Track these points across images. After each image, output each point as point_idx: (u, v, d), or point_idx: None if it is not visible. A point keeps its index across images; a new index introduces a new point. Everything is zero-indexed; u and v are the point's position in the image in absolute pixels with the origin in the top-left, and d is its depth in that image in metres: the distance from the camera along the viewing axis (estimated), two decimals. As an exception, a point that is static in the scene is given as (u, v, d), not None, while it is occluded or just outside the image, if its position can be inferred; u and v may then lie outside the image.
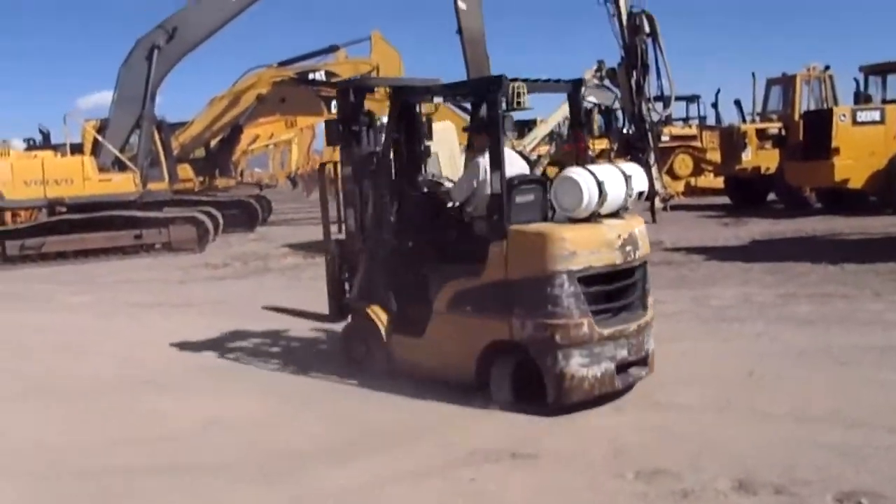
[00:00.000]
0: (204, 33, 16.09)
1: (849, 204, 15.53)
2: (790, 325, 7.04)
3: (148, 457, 4.64)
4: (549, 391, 4.96)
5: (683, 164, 21.40)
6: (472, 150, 5.67)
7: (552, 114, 17.69)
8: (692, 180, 21.48)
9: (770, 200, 18.70)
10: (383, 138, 5.97)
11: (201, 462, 4.56)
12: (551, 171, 16.27)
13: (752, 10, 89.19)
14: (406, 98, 5.96)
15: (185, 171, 20.00)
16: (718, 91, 22.36)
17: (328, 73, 18.90)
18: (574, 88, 5.98)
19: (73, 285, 11.88)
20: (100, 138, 15.67)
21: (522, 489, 4.00)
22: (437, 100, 6.19)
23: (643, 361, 5.30)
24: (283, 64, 19.84)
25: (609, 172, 5.30)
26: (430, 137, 6.05)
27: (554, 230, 5.07)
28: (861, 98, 16.81)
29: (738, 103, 20.06)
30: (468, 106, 12.69)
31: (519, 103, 5.29)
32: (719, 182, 20.42)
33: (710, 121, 23.08)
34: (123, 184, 15.20)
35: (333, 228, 6.49)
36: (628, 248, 5.18)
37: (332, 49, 19.65)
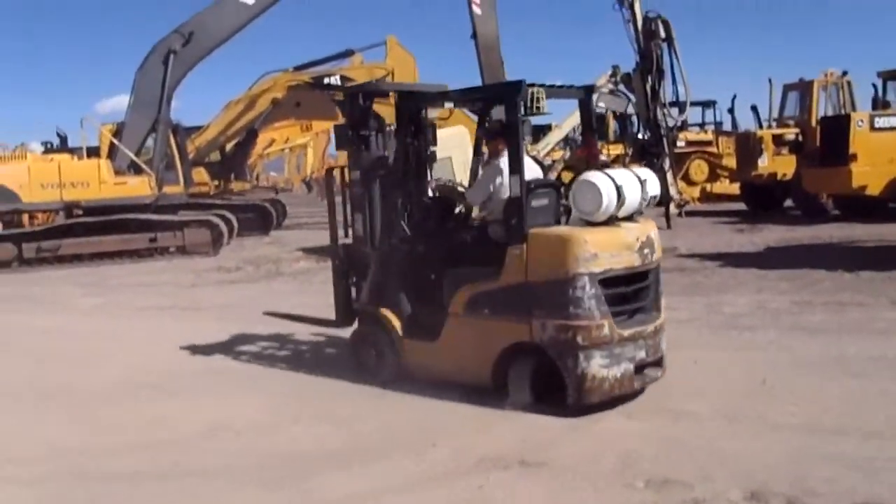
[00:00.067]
0: (220, 38, 16.16)
1: (866, 211, 15.36)
2: (804, 333, 6.96)
3: (153, 461, 4.64)
4: (570, 392, 5.01)
5: (699, 169, 21.29)
6: (478, 156, 5.67)
7: (566, 119, 17.66)
8: (708, 186, 21.35)
9: (786, 207, 18.53)
10: (394, 143, 5.96)
11: (206, 466, 4.56)
12: (566, 175, 16.24)
13: (770, 15, 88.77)
14: (412, 104, 5.96)
15: (200, 174, 20.14)
16: (735, 96, 22.14)
17: (343, 78, 18.83)
18: (585, 94, 6.01)
19: (86, 287, 11.96)
20: (116, 142, 15.79)
21: (530, 498, 3.96)
22: (448, 105, 6.16)
23: (658, 363, 5.40)
24: (298, 68, 19.91)
25: (626, 177, 5.39)
26: (434, 143, 6.06)
27: (575, 233, 5.13)
28: (879, 104, 16.63)
29: (754, 109, 19.95)
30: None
31: (538, 108, 5.37)
32: (735, 188, 20.28)
33: (727, 126, 22.93)
34: (139, 187, 15.31)
35: (340, 233, 6.47)
36: (646, 250, 5.29)
37: (348, 53, 19.69)
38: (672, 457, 4.32)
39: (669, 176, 16.10)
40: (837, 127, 15.61)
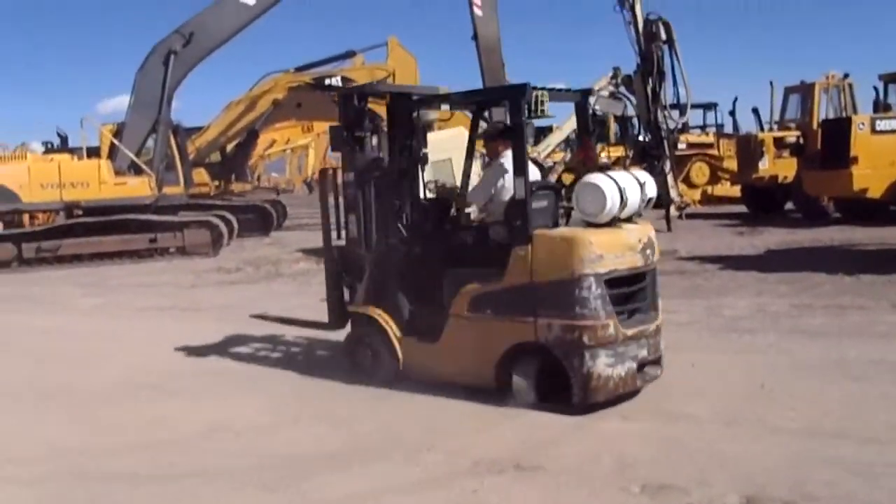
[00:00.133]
0: (220, 38, 16.17)
1: (867, 214, 15.33)
2: (804, 336, 6.94)
3: (152, 462, 4.63)
4: (576, 391, 5.06)
5: (700, 172, 21.28)
6: (470, 158, 5.72)
7: (566, 121, 17.63)
8: (709, 189, 21.35)
9: (787, 210, 18.52)
10: (390, 144, 5.95)
11: (205, 467, 4.55)
12: (567, 177, 16.22)
13: (771, 17, 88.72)
14: (405, 105, 5.96)
15: (200, 175, 20.14)
16: (736, 99, 22.27)
17: (345, 79, 18.84)
18: (581, 98, 6.05)
19: (86, 288, 11.96)
20: (116, 142, 15.79)
21: (524, 502, 3.95)
22: (445, 107, 6.17)
23: (658, 361, 5.46)
24: (299, 69, 19.91)
25: (627, 179, 5.46)
26: (425, 145, 6.06)
27: (581, 234, 5.18)
28: (880, 106, 16.62)
29: (755, 111, 19.94)
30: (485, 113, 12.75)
31: (542, 111, 5.41)
32: (736, 191, 20.28)
33: (728, 129, 22.93)
34: (139, 188, 15.32)
35: (333, 235, 6.45)
36: (647, 251, 5.40)
37: (349, 54, 19.69)
38: (670, 460, 4.30)
39: (670, 178, 16.08)
40: (839, 129, 15.60)
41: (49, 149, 21.19)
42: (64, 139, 22.11)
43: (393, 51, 19.05)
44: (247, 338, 7.55)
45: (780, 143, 18.13)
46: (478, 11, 15.88)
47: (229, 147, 21.70)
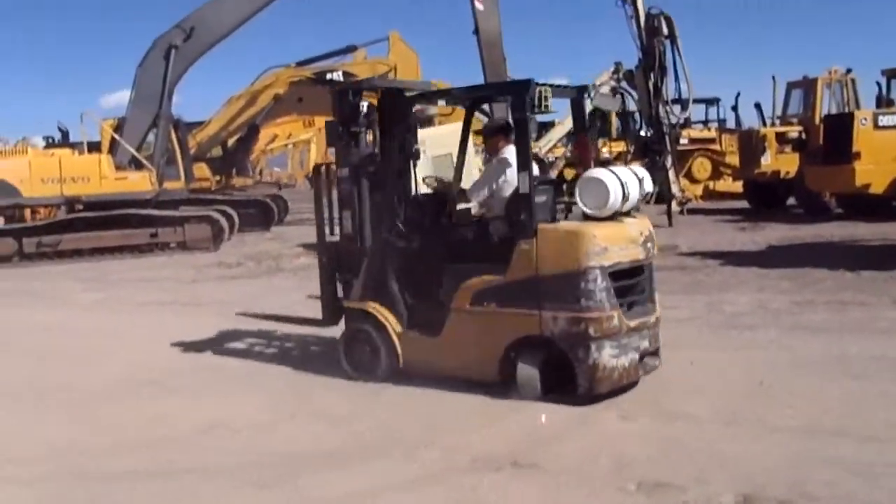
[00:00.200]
0: (221, 32, 16.12)
1: (870, 209, 15.28)
2: (804, 333, 6.92)
3: (150, 460, 4.63)
4: (581, 382, 5.12)
5: (702, 167, 21.24)
6: (463, 153, 5.70)
7: (568, 116, 17.57)
8: (710, 184, 21.30)
9: (789, 205, 18.48)
10: (382, 140, 5.93)
11: (205, 465, 4.54)
12: (568, 172, 16.20)
13: (774, 12, 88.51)
14: (399, 101, 5.94)
15: (201, 170, 20.10)
16: (738, 94, 22.07)
17: (346, 74, 18.82)
18: (578, 94, 6.07)
19: (87, 283, 11.97)
20: (117, 137, 15.77)
21: (522, 500, 3.94)
22: (441, 102, 6.15)
23: (657, 352, 5.57)
24: (300, 64, 19.88)
25: (627, 173, 5.57)
26: (416, 140, 6.05)
27: (586, 228, 5.25)
28: (883, 102, 16.54)
29: (758, 106, 19.86)
30: (486, 108, 12.70)
31: (546, 107, 5.42)
32: (738, 186, 20.21)
33: (730, 124, 22.87)
34: (140, 182, 15.32)
35: (327, 230, 6.42)
36: (648, 244, 5.51)
37: (351, 49, 19.66)
38: (667, 458, 4.28)
39: (671, 173, 16.05)
40: (841, 125, 15.53)
41: (50, 143, 21.18)
42: (65, 134, 22.08)
43: (394, 46, 19.01)
44: (246, 333, 7.54)
45: (782, 139, 18.08)
46: (479, 6, 15.80)
47: (230, 142, 21.68)
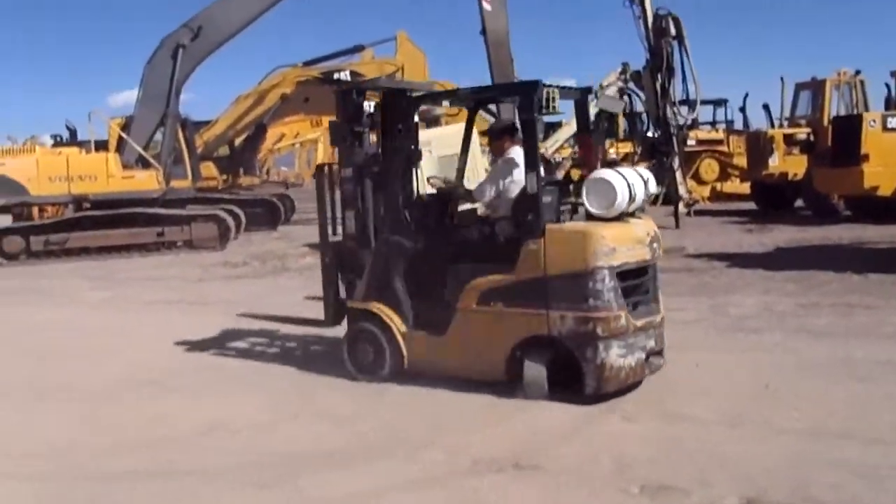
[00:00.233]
0: (229, 32, 16.18)
1: (878, 212, 15.20)
2: (810, 336, 6.88)
3: (151, 460, 4.62)
4: (589, 382, 5.14)
5: (709, 168, 21.20)
6: (465, 154, 5.69)
7: (574, 117, 17.56)
8: (718, 185, 21.26)
9: (797, 207, 18.41)
10: (383, 140, 5.92)
11: (205, 465, 4.53)
12: (575, 173, 16.17)
13: (783, 13, 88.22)
14: (402, 101, 5.95)
15: (208, 169, 20.17)
16: (746, 95, 21.96)
17: (354, 73, 18.90)
18: (581, 95, 6.07)
19: (93, 281, 12.00)
20: (124, 136, 15.83)
21: (522, 502, 3.92)
22: (446, 103, 6.15)
23: (661, 352, 5.61)
24: (308, 63, 19.93)
25: (633, 175, 5.60)
26: (417, 141, 6.05)
27: (594, 228, 5.28)
28: (892, 103, 16.50)
29: (766, 108, 19.85)
30: (492, 108, 12.68)
31: (554, 107, 5.44)
32: (746, 187, 20.17)
33: (738, 125, 22.80)
34: (147, 181, 15.38)
35: (330, 230, 6.41)
36: (654, 244, 5.56)
37: (358, 49, 19.70)
38: (671, 461, 4.26)
39: (679, 175, 16.02)
40: (849, 127, 15.47)
41: (58, 142, 21.29)
42: (73, 132, 22.19)
43: (402, 45, 19.03)
44: (250, 333, 7.55)
45: (790, 140, 18.03)
46: (487, 6, 15.80)
47: (237, 141, 21.75)
